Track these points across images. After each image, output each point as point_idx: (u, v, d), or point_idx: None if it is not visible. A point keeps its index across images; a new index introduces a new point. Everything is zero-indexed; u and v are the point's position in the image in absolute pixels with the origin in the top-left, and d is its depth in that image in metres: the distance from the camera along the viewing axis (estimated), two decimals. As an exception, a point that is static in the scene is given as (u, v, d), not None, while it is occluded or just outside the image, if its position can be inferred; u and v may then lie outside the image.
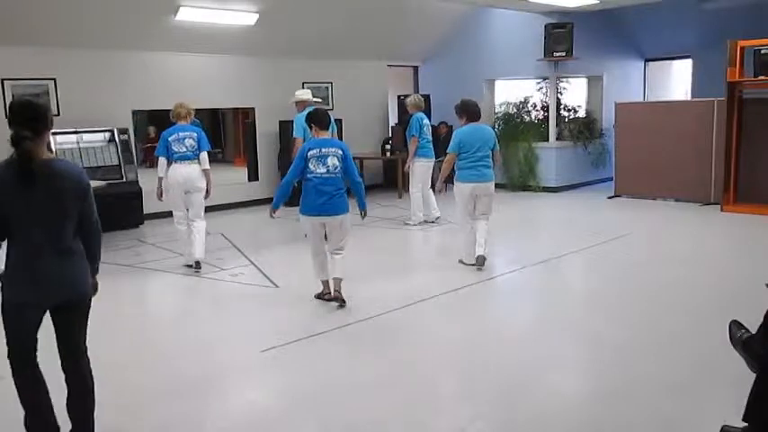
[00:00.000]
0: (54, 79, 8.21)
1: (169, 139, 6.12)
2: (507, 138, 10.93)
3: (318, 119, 5.04)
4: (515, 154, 10.85)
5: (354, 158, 4.95)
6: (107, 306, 5.35)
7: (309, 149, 4.82)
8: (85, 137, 8.31)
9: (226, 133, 15.69)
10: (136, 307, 5.51)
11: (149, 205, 8.83)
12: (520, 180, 10.84)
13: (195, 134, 6.16)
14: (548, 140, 10.73)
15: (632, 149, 9.69)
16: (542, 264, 6.24)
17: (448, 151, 6.05)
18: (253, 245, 7.30)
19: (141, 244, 7.62)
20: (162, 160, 6.16)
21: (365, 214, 5.07)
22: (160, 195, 6.28)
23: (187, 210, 6.29)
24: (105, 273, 6.45)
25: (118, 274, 6.24)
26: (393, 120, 12.00)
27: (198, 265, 6.20)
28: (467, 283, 5.58)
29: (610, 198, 9.95)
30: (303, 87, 10.45)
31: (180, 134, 6.13)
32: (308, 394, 3.59)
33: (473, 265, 5.95)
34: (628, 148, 9.75)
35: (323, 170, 4.77)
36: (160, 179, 6.20)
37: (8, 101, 7.92)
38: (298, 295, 5.37)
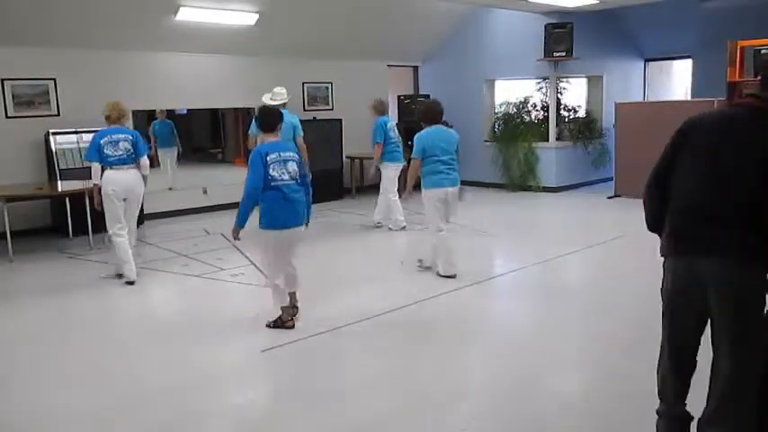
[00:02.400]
0: (54, 79, 8.21)
1: (101, 141, 5.63)
2: (507, 138, 10.95)
3: (263, 121, 4.53)
4: (515, 154, 10.85)
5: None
6: (107, 305, 5.37)
7: (267, 153, 4.31)
8: (85, 137, 8.25)
9: (226, 133, 15.68)
10: (136, 307, 5.51)
11: (149, 205, 8.84)
12: (520, 180, 10.84)
13: (131, 137, 5.73)
14: (548, 140, 10.72)
15: (632, 149, 9.67)
16: (542, 264, 6.24)
17: (412, 157, 5.65)
18: (253, 245, 7.28)
19: (141, 244, 7.61)
20: (96, 166, 5.65)
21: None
22: (99, 204, 5.73)
23: None
24: (105, 272, 6.48)
25: (118, 274, 6.26)
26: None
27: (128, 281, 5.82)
28: (466, 283, 5.57)
29: (610, 198, 9.95)
30: (303, 87, 10.51)
31: (113, 136, 5.66)
32: (308, 394, 3.60)
33: (449, 276, 5.68)
34: (628, 148, 9.75)
35: (285, 177, 4.34)
36: (96, 187, 5.70)
37: (8, 101, 7.94)
38: (297, 295, 5.37)
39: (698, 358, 2.60)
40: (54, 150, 8.00)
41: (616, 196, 9.96)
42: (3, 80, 7.88)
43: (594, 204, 9.69)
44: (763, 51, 8.31)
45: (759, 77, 2.47)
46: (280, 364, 4.06)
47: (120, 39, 8.49)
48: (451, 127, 6.19)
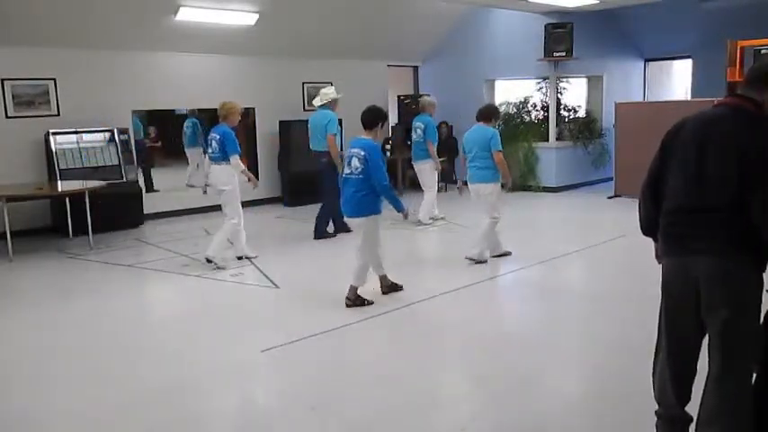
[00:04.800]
0: (54, 79, 8.21)
1: (208, 138, 6.32)
2: (507, 138, 10.91)
3: (361, 117, 5.03)
4: (515, 154, 10.84)
5: (383, 157, 4.91)
6: (107, 306, 5.37)
7: (349, 149, 4.92)
8: (85, 137, 8.32)
9: (226, 133, 15.62)
10: (135, 307, 5.51)
11: (149, 205, 8.85)
12: (520, 180, 10.83)
13: (218, 136, 6.10)
14: (548, 140, 10.72)
15: (632, 149, 9.65)
16: (542, 264, 6.24)
17: None
18: (253, 245, 7.28)
19: (141, 244, 7.62)
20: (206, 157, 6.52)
21: (405, 216, 5.03)
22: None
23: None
24: (105, 273, 6.51)
25: (118, 275, 6.25)
26: (393, 120, 12.00)
27: (208, 261, 6.23)
28: (467, 283, 5.57)
29: (610, 198, 9.95)
30: (303, 87, 10.51)
31: (211, 134, 6.22)
32: (308, 394, 3.60)
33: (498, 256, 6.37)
34: (628, 148, 9.73)
35: (347, 171, 4.82)
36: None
37: (8, 101, 7.94)
38: (298, 295, 5.37)
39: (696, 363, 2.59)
40: (54, 150, 8.01)
41: (616, 196, 9.96)
42: (3, 80, 7.88)
43: (594, 204, 9.69)
44: (763, 51, 8.30)
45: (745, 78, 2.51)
46: (280, 364, 4.06)
47: (119, 39, 8.49)
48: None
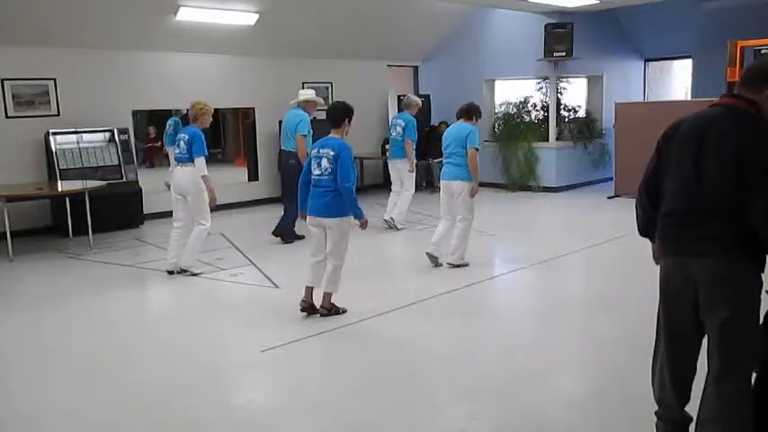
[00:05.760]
0: (54, 79, 8.21)
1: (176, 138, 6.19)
2: (507, 138, 10.95)
3: (327, 116, 4.83)
4: (515, 154, 10.85)
5: (354, 158, 4.74)
6: (107, 306, 5.37)
7: (314, 149, 4.72)
8: (85, 137, 8.32)
9: (226, 133, 15.68)
10: (135, 307, 5.51)
11: (149, 205, 8.85)
12: (520, 180, 10.84)
13: (187, 136, 5.91)
14: (548, 140, 10.72)
15: (632, 149, 9.65)
16: (542, 264, 6.24)
17: None
18: (253, 245, 7.29)
19: (141, 244, 7.62)
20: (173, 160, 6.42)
21: (361, 225, 4.67)
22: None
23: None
24: (105, 273, 6.51)
25: (118, 274, 6.25)
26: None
27: (179, 271, 6.03)
28: (466, 283, 5.57)
29: (610, 198, 9.95)
30: (303, 87, 10.50)
31: (180, 135, 6.07)
32: (308, 394, 3.60)
33: (427, 254, 6.09)
34: (628, 148, 9.73)
35: (317, 172, 4.61)
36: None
37: (8, 101, 7.94)
38: (298, 295, 5.36)
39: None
40: (54, 150, 8.01)
41: (616, 196, 9.96)
42: (3, 80, 7.88)
43: (594, 204, 9.69)
44: (763, 51, 8.30)
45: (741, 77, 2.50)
46: (280, 364, 4.06)
47: (120, 39, 8.49)
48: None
